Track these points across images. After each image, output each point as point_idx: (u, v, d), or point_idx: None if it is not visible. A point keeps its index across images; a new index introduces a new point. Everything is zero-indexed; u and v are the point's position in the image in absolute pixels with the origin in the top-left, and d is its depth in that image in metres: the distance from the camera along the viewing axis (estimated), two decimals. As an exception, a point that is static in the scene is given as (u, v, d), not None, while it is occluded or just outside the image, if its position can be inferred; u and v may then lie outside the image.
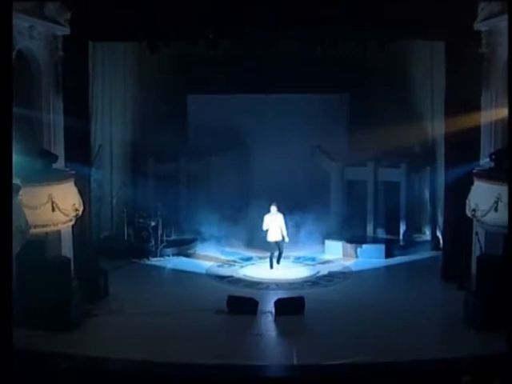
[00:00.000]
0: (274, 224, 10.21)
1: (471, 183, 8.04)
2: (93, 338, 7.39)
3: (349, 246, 11.14)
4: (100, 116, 11.13)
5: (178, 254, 11.21)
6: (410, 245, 11.33)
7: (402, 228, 11.56)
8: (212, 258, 11.06)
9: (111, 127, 11.67)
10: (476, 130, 8.52)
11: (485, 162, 8.25)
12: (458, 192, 8.67)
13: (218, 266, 10.60)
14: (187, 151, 12.52)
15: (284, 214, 10.33)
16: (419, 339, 7.18)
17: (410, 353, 6.76)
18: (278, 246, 10.26)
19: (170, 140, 11.63)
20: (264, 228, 10.18)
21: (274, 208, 10.22)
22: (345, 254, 11.12)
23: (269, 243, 10.27)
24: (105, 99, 11.32)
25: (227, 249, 11.41)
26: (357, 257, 11.01)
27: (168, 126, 11.89)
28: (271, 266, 10.28)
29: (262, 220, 10.24)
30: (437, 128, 10.77)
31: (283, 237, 10.25)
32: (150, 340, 7.26)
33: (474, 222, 8.04)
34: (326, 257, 11.11)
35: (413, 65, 11.68)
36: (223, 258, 11.08)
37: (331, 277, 9.96)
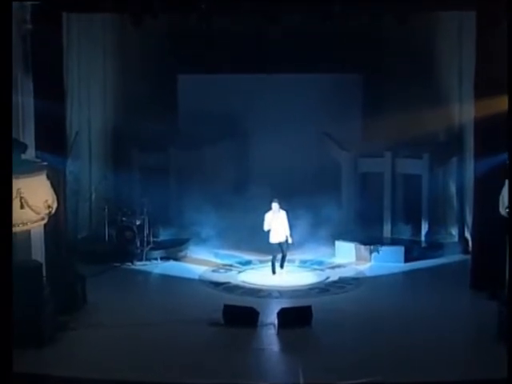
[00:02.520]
0: (277, 223, 10.11)
1: (505, 176, 7.90)
2: (69, 355, 7.33)
3: (362, 247, 11.09)
4: (76, 99, 11.03)
5: (167, 258, 11.18)
6: (434, 247, 11.28)
7: (425, 228, 11.51)
8: (206, 261, 11.03)
9: (89, 112, 11.59)
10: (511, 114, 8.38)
11: (521, 150, 8.15)
12: (489, 186, 8.57)
13: (213, 271, 10.58)
14: (177, 140, 12.47)
15: (287, 211, 10.23)
16: (443, 357, 7.10)
17: (432, 373, 6.71)
18: (282, 248, 10.19)
19: (158, 127, 11.56)
20: (265, 228, 10.12)
21: (275, 205, 10.13)
22: (358, 257, 11.08)
23: (270, 245, 10.21)
24: (82, 80, 11.23)
25: (223, 251, 11.38)
26: (372, 260, 10.96)
27: (155, 110, 11.85)
28: (273, 272, 10.22)
29: (262, 218, 10.18)
30: (465, 112, 10.67)
31: (287, 237, 10.16)
32: (135, 357, 7.20)
33: (509, 221, 7.91)
34: (337, 260, 11.09)
35: (437, 39, 11.53)
36: (219, 261, 11.05)
37: (342, 283, 9.93)
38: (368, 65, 12.40)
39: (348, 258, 11.07)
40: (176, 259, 11.14)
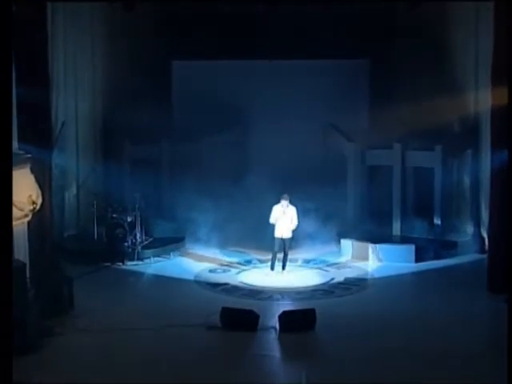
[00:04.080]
0: (284, 219, 10.04)
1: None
2: (54, 362, 7.26)
3: (370, 246, 11.04)
4: (63, 86, 11.00)
5: (161, 257, 11.12)
6: (447, 246, 11.22)
7: (437, 225, 11.44)
8: (202, 261, 10.99)
9: (76, 100, 11.56)
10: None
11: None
12: (506, 180, 8.55)
13: (210, 271, 10.54)
14: (172, 131, 12.48)
15: (297, 207, 10.15)
16: (457, 366, 7.02)
17: (444, 381, 6.64)
18: (284, 245, 10.13)
19: (151, 117, 11.54)
20: (271, 221, 10.06)
21: (285, 202, 10.03)
22: (365, 257, 11.02)
23: (273, 241, 10.12)
24: (68, 66, 11.18)
25: (221, 250, 11.37)
26: (380, 260, 10.91)
27: (148, 99, 11.87)
28: (272, 267, 10.19)
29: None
30: (481, 101, 10.61)
31: (291, 235, 10.09)
32: (126, 364, 7.14)
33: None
34: (342, 260, 11.06)
35: (452, 22, 11.44)
36: (216, 261, 11.01)
37: (348, 284, 9.89)
38: (376, 49, 12.35)
39: (354, 258, 11.02)
40: (170, 258, 11.09)
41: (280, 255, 10.18)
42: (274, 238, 10.08)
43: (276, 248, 10.13)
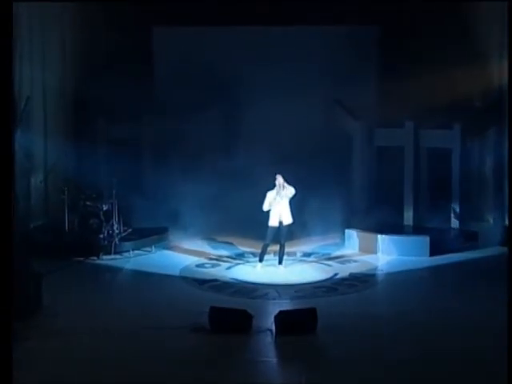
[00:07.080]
0: (280, 203, 10.00)
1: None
2: (19, 370, 7.07)
3: (379, 237, 11.07)
4: (27, 57, 11.01)
5: (141, 250, 11.17)
6: (466, 237, 11.32)
7: (455, 214, 11.57)
8: (188, 254, 11.05)
9: (44, 72, 11.57)
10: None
11: None
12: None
13: (197, 266, 10.58)
14: (153, 107, 12.52)
15: (296, 187, 10.11)
16: (474, 373, 6.99)
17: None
18: (280, 234, 10.09)
19: (129, 91, 11.54)
20: (265, 208, 10.03)
21: (280, 181, 9.95)
22: (373, 250, 11.07)
23: (267, 229, 10.08)
24: (34, 32, 11.18)
25: (210, 242, 11.48)
26: (390, 253, 10.95)
27: (125, 70, 11.82)
28: (261, 259, 10.23)
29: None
30: (506, 72, 10.62)
31: (290, 222, 10.08)
32: (102, 371, 7.09)
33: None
34: (347, 252, 11.13)
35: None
36: (204, 253, 11.06)
37: (354, 281, 9.92)
38: (386, 14, 12.28)
39: (361, 250, 11.09)
40: (152, 252, 11.15)
41: (271, 243, 10.13)
42: (267, 227, 10.05)
43: (268, 239, 10.11)
